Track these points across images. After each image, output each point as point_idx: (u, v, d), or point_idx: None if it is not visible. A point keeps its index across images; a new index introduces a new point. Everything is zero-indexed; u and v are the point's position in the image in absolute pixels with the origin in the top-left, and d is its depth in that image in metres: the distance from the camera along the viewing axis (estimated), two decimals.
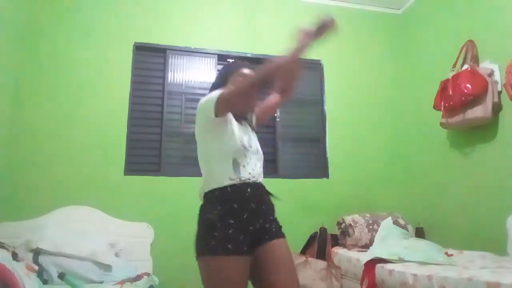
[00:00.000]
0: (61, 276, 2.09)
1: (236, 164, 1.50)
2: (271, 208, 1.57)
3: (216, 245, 1.39)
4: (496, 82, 2.58)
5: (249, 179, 1.50)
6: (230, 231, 1.41)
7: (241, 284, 1.40)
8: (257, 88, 1.48)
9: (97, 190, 2.86)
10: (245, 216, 1.44)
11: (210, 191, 1.49)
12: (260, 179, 1.58)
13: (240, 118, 1.65)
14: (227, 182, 1.47)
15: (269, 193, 1.59)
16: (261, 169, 1.61)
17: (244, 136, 1.57)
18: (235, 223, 1.42)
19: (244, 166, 1.52)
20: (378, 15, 3.87)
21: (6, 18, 2.74)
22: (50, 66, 2.98)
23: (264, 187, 1.58)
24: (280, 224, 1.57)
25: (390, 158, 3.57)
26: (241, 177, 1.48)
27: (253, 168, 1.54)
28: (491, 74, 2.59)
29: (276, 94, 1.79)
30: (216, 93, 1.46)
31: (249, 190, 1.48)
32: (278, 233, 1.53)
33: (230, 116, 1.56)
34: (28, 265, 2.02)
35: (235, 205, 1.45)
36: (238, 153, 1.52)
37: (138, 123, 3.13)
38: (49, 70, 2.98)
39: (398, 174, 3.55)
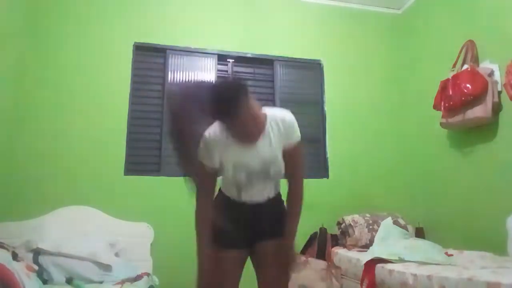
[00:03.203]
0: (69, 281, 2.10)
1: (238, 189, 1.61)
2: (266, 218, 1.63)
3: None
4: (496, 82, 2.58)
5: (248, 201, 1.59)
6: (227, 230, 1.58)
7: (227, 272, 1.60)
8: None
9: (97, 190, 2.86)
10: (238, 223, 1.59)
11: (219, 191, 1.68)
12: (263, 198, 1.61)
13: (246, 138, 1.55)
14: (230, 195, 1.65)
15: (272, 209, 1.64)
16: (271, 188, 1.63)
17: (244, 163, 1.52)
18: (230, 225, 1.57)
19: (246, 191, 1.59)
20: (378, 15, 3.87)
21: (7, 18, 2.74)
22: (50, 67, 2.98)
23: (264, 207, 1.61)
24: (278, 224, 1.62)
25: (390, 158, 3.57)
26: (241, 200, 1.60)
27: (255, 192, 1.59)
28: (491, 74, 2.59)
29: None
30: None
31: (242, 208, 1.60)
32: (271, 233, 1.62)
33: (222, 153, 1.53)
34: (28, 265, 2.02)
35: (231, 212, 1.61)
36: (239, 183, 1.60)
37: (138, 123, 3.12)
38: (49, 71, 2.97)
39: (398, 174, 3.55)
